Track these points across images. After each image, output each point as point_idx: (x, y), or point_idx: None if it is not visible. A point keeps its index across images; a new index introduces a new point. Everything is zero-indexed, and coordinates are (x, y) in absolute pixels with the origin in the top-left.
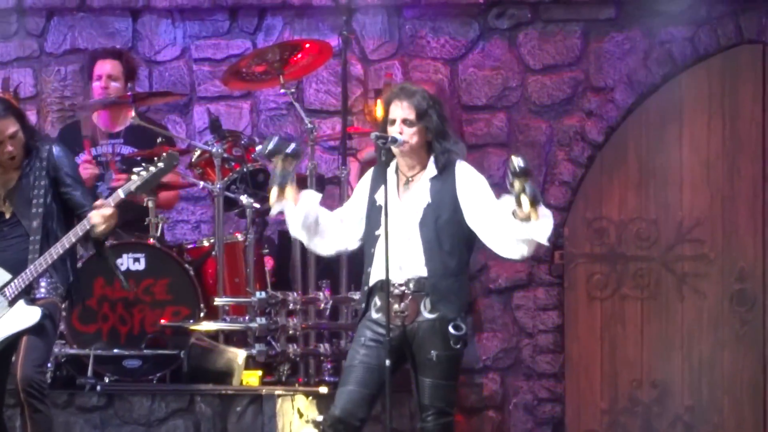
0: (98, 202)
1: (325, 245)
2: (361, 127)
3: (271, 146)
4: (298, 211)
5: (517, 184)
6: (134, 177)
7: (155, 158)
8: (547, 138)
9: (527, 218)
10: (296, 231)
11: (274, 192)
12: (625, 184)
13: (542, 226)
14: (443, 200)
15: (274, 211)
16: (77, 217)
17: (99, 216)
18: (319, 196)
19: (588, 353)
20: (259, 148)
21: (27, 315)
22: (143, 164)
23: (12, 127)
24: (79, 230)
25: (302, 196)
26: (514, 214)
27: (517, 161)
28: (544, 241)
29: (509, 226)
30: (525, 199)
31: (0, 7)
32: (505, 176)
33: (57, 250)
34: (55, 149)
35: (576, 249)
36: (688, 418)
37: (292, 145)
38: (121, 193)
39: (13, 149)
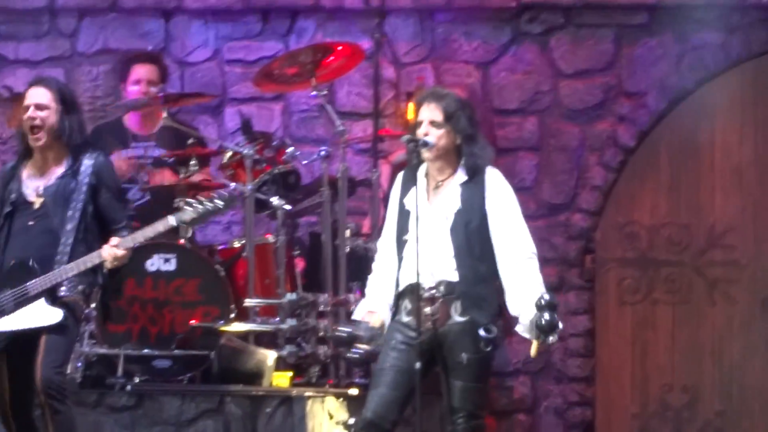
0: (114, 241)
1: None
2: (392, 129)
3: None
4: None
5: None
6: (189, 208)
7: (216, 195)
8: (578, 142)
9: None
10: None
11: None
12: (657, 189)
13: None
14: (473, 206)
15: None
16: (106, 232)
17: (109, 254)
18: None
19: (618, 357)
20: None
21: (47, 314)
22: (201, 198)
23: (44, 98)
24: (95, 258)
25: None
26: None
27: (546, 297)
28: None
29: (517, 281)
30: (535, 343)
31: (32, 6)
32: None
33: (86, 263)
34: (103, 160)
35: (607, 253)
36: (718, 423)
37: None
38: (172, 221)
39: (38, 120)
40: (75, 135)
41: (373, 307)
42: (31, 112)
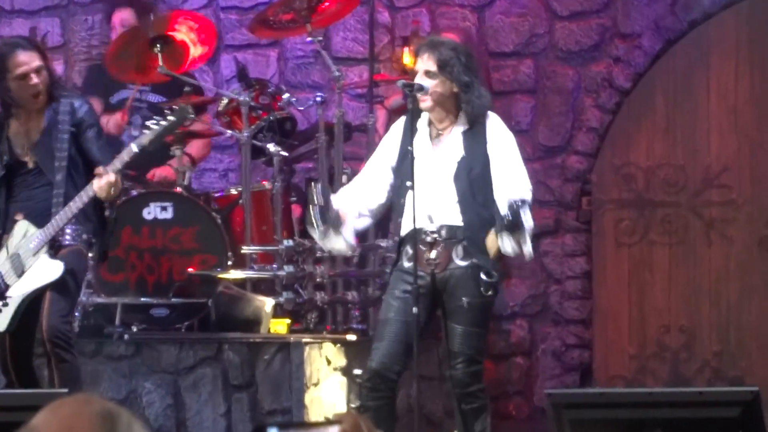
0: (98, 170)
1: (374, 217)
2: (388, 74)
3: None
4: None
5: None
6: (146, 131)
7: (167, 110)
8: (574, 85)
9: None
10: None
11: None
12: (653, 131)
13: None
14: (475, 153)
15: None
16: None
17: (98, 186)
18: (345, 210)
19: (616, 299)
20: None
21: (50, 269)
22: (155, 118)
23: (37, 60)
24: (84, 196)
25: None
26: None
27: (506, 214)
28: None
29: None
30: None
31: None
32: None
33: (76, 204)
34: (78, 103)
35: (604, 195)
36: (715, 363)
37: (334, 214)
38: (134, 147)
39: (39, 83)
40: (56, 85)
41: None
42: (33, 80)
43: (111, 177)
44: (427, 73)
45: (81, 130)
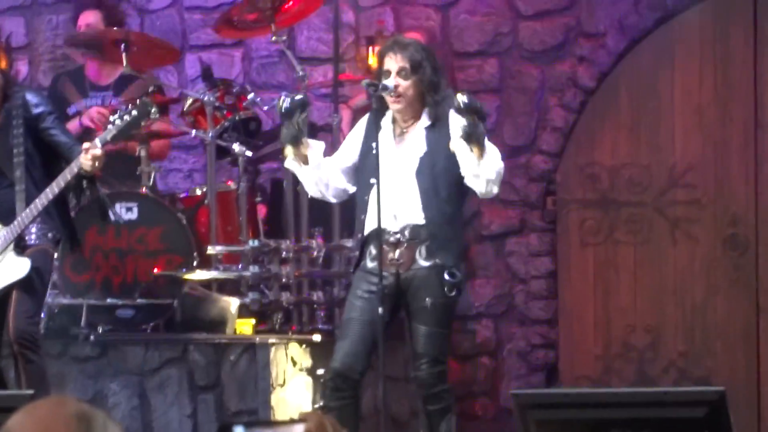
0: (86, 145)
1: (328, 192)
2: (352, 74)
3: (287, 104)
4: (311, 170)
5: (462, 121)
6: (109, 126)
7: (130, 106)
8: (539, 84)
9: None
10: (310, 187)
11: (289, 150)
12: (617, 130)
13: (487, 163)
14: (438, 148)
15: (288, 165)
16: (63, 156)
17: (88, 158)
18: (322, 145)
19: (581, 299)
20: (285, 105)
21: (16, 267)
22: (118, 112)
23: None
24: (67, 174)
25: (312, 153)
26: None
27: (461, 98)
28: (492, 177)
29: (465, 163)
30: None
31: None
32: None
33: (46, 196)
34: (29, 95)
35: (568, 195)
36: (681, 363)
37: (300, 96)
38: (97, 142)
39: None
40: (9, 84)
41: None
42: None
43: (98, 151)
44: (401, 73)
45: (38, 118)
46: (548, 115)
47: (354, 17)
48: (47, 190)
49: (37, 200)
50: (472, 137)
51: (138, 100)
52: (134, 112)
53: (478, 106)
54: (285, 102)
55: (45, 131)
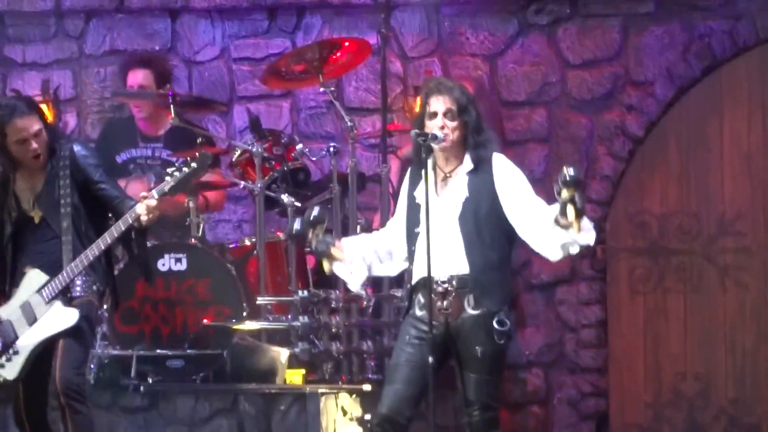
0: (144, 194)
1: (394, 267)
2: (401, 124)
3: (298, 226)
4: (347, 267)
5: (565, 193)
6: (167, 178)
7: (188, 159)
8: (587, 133)
9: (569, 227)
10: (356, 283)
11: (325, 264)
12: (666, 178)
13: (583, 237)
14: (481, 193)
15: (331, 271)
16: (112, 209)
17: (144, 207)
18: (358, 238)
19: (631, 347)
20: (295, 227)
21: (64, 317)
22: (177, 164)
23: (36, 125)
24: (121, 224)
25: (345, 252)
26: (556, 221)
27: (568, 171)
28: (580, 249)
29: (549, 228)
30: (571, 210)
31: (39, 9)
32: (555, 184)
33: (98, 247)
34: (77, 147)
35: (618, 243)
36: (732, 410)
37: (315, 212)
38: (155, 194)
39: (38, 147)
40: (55, 139)
41: (348, 241)
42: (32, 145)
43: (154, 201)
44: (447, 114)
45: (86, 173)
46: (597, 164)
47: (402, 67)
48: (99, 240)
49: (87, 251)
50: (583, 210)
51: (197, 153)
52: (193, 164)
53: (582, 178)
54: (296, 224)
55: (94, 184)
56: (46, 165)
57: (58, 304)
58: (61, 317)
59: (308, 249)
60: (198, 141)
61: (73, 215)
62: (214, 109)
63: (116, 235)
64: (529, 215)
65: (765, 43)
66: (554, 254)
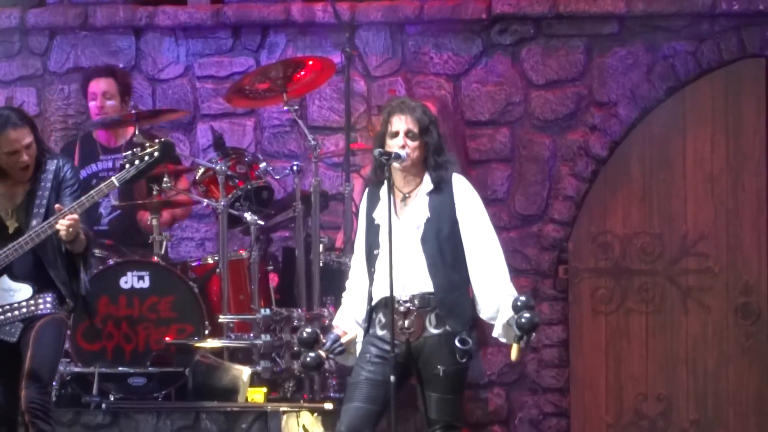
0: (57, 206)
1: None
2: (364, 143)
3: (310, 358)
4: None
5: (516, 334)
6: (128, 166)
7: (149, 146)
8: (550, 153)
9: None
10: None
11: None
12: (629, 199)
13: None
14: (443, 214)
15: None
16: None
17: (63, 223)
18: (349, 311)
19: (593, 367)
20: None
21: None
22: (134, 150)
23: (28, 137)
24: (47, 228)
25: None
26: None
27: (522, 299)
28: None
29: (489, 288)
30: (515, 348)
31: (3, 26)
32: (513, 307)
33: (35, 236)
34: (67, 167)
35: (580, 264)
36: (693, 431)
37: (305, 335)
38: (115, 182)
39: (28, 159)
40: (43, 152)
41: (345, 321)
42: (23, 157)
43: (75, 214)
44: (408, 134)
45: (62, 187)
46: (560, 184)
47: (365, 86)
48: (37, 230)
49: (27, 237)
50: (531, 332)
51: (159, 141)
52: (155, 153)
53: (533, 304)
54: (308, 359)
55: (62, 196)
56: (32, 177)
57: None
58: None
59: (271, 267)
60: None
61: (45, 217)
62: (175, 116)
63: (37, 242)
64: (480, 259)
65: (729, 65)
66: (485, 312)
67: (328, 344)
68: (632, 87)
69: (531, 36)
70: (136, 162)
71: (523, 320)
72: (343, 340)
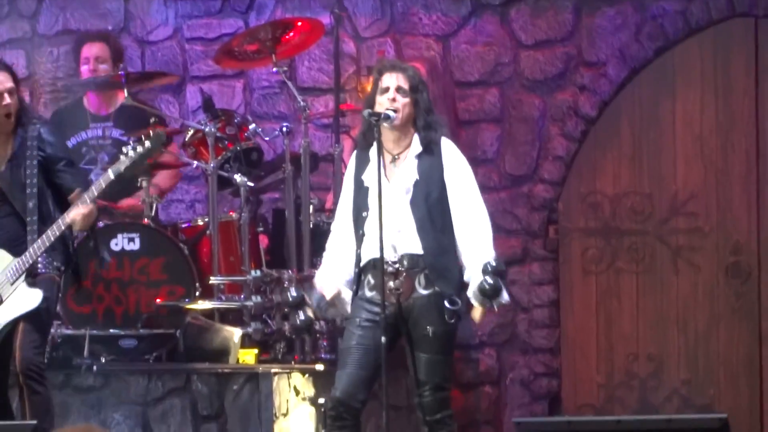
0: (74, 195)
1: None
2: (353, 104)
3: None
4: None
5: (478, 299)
6: (122, 157)
7: (142, 137)
8: (540, 113)
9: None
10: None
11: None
12: (619, 159)
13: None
14: (432, 178)
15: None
16: (70, 199)
17: (74, 215)
18: (333, 272)
19: (584, 328)
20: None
21: (28, 298)
22: (131, 143)
23: (9, 82)
24: (55, 228)
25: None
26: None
27: (487, 280)
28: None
29: (470, 250)
30: (477, 310)
31: None
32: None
33: (53, 233)
34: (44, 130)
35: (570, 224)
36: (684, 391)
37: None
38: (110, 174)
39: (11, 103)
40: (25, 111)
41: (326, 279)
42: (6, 100)
43: (86, 208)
44: (399, 90)
45: (49, 157)
46: (549, 144)
47: (355, 48)
48: (54, 226)
49: (45, 235)
50: (492, 297)
51: (151, 131)
52: (147, 144)
53: (503, 269)
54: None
55: (55, 173)
56: (11, 137)
57: (22, 285)
58: (26, 298)
59: (261, 229)
60: (151, 121)
61: (39, 197)
62: (166, 80)
63: (57, 233)
64: (465, 224)
65: (718, 24)
66: (467, 276)
67: (315, 303)
68: (621, 47)
69: None
70: (130, 153)
71: (485, 285)
72: (327, 297)
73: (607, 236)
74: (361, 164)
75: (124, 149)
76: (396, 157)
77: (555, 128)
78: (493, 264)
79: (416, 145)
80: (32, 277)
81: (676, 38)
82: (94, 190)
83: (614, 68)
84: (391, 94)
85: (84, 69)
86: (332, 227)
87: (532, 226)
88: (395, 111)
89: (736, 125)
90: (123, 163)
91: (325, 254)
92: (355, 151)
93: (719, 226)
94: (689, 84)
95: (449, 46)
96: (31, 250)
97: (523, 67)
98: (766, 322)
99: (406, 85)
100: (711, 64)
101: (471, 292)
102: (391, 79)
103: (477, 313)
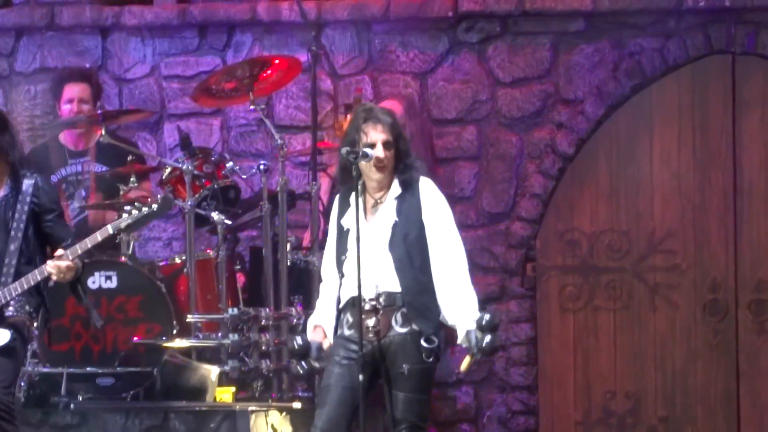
0: (57, 253)
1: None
2: (331, 142)
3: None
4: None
5: (472, 353)
6: (125, 215)
7: (150, 200)
8: (517, 151)
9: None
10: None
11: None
12: (596, 196)
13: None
14: (410, 218)
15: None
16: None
17: (54, 267)
18: (327, 311)
19: (561, 365)
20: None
21: None
22: (137, 203)
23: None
24: (37, 275)
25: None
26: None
27: (486, 317)
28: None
29: (449, 292)
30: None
31: None
32: (477, 322)
33: (32, 278)
34: (41, 182)
35: (548, 261)
36: (662, 428)
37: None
38: (110, 229)
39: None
40: (14, 152)
41: (321, 325)
42: None
43: (68, 262)
44: (386, 144)
45: (43, 211)
46: (527, 182)
47: (332, 85)
48: (30, 275)
49: (22, 280)
50: (491, 354)
51: (160, 196)
52: (154, 206)
53: (498, 323)
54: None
55: (44, 223)
56: (2, 178)
57: None
58: None
59: (238, 266)
60: (129, 158)
61: (22, 243)
62: (141, 116)
63: (32, 284)
64: (442, 264)
65: (695, 61)
66: (446, 318)
67: (314, 353)
68: (599, 84)
69: (497, 34)
70: (134, 212)
71: (484, 344)
72: (325, 346)
73: (584, 274)
74: (343, 208)
75: (126, 207)
76: (378, 201)
77: (532, 165)
78: (488, 319)
79: (395, 188)
80: (3, 319)
81: (654, 75)
82: (80, 247)
83: (592, 105)
84: (379, 151)
85: (65, 108)
86: (322, 272)
87: (509, 264)
88: (382, 168)
89: (714, 162)
90: (125, 220)
91: (317, 301)
92: (337, 196)
93: (697, 263)
94: (667, 121)
95: (427, 84)
96: (4, 290)
97: (500, 105)
98: (744, 359)
99: (390, 138)
100: (688, 101)
101: (467, 346)
102: (377, 134)
103: (465, 364)
